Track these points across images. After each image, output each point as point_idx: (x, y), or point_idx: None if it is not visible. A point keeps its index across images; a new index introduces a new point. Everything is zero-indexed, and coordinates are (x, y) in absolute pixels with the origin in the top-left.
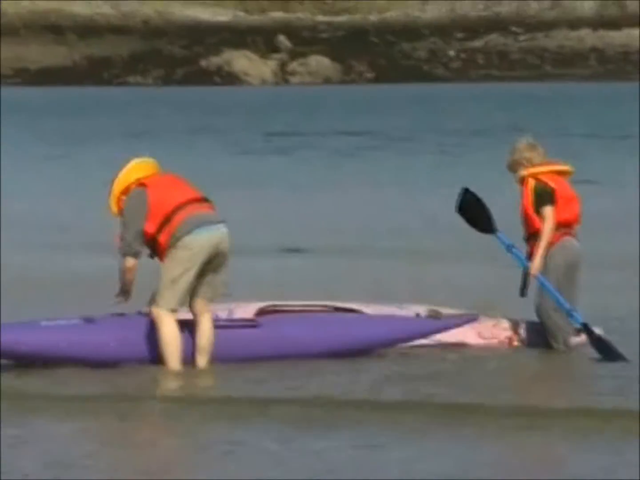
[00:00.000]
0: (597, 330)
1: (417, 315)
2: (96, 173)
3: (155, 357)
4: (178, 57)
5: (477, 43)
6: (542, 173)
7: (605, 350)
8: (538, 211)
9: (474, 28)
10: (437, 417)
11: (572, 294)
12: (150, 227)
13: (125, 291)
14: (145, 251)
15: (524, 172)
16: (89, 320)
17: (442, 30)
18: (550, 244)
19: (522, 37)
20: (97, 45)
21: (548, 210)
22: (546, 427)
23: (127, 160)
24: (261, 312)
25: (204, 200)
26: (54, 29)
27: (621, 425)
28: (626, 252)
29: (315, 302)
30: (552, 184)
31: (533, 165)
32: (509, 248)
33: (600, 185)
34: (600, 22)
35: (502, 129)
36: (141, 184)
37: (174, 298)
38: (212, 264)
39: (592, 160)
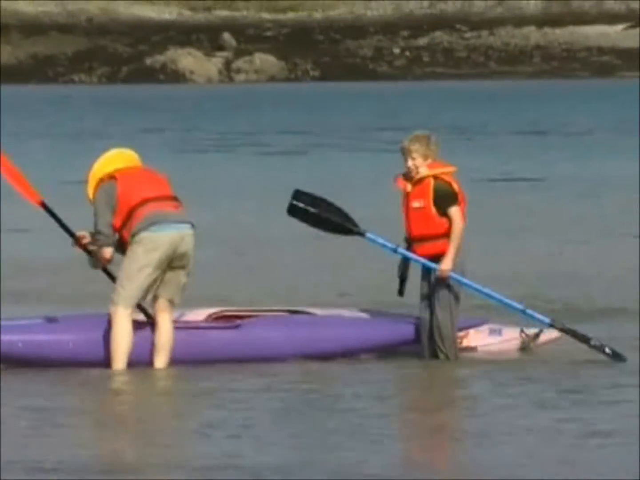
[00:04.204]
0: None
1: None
2: (38, 172)
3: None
4: (123, 55)
5: (422, 41)
6: (444, 173)
7: (589, 341)
8: (443, 212)
9: (419, 26)
10: None
11: None
12: (117, 222)
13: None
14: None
15: (426, 171)
16: (50, 319)
17: (387, 28)
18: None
19: (467, 35)
20: (41, 44)
21: (456, 211)
22: None
23: (103, 150)
24: (213, 318)
25: (173, 199)
26: None
27: None
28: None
29: (266, 307)
30: (455, 186)
31: (427, 162)
32: (395, 250)
33: (540, 182)
34: (544, 20)
35: (446, 127)
36: (112, 176)
37: (129, 295)
38: (172, 264)
39: (535, 157)
